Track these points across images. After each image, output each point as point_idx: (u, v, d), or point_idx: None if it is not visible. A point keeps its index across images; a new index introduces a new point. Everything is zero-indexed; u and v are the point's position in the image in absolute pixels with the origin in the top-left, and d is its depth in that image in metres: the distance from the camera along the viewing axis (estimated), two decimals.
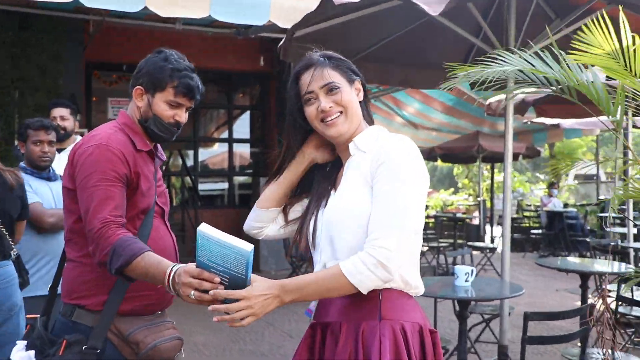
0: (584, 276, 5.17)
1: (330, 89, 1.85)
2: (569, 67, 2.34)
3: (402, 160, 1.74)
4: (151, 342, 2.12)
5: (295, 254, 7.82)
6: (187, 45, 10.27)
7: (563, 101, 2.85)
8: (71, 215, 2.20)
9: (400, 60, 5.73)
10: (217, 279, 1.66)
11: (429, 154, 13.84)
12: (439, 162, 17.33)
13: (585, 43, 2.31)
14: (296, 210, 2.04)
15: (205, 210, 11.04)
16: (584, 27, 2.34)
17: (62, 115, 4.52)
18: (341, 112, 1.85)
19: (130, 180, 2.15)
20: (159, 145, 2.39)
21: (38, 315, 2.29)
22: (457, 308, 4.12)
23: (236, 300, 1.63)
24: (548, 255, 12.13)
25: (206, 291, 1.68)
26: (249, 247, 1.60)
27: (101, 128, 2.24)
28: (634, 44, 2.28)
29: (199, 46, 10.35)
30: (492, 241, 12.36)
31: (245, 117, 12.09)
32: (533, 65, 2.36)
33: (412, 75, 5.98)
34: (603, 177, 17.17)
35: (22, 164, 3.85)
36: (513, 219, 14.23)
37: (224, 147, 11.85)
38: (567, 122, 9.68)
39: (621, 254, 6.66)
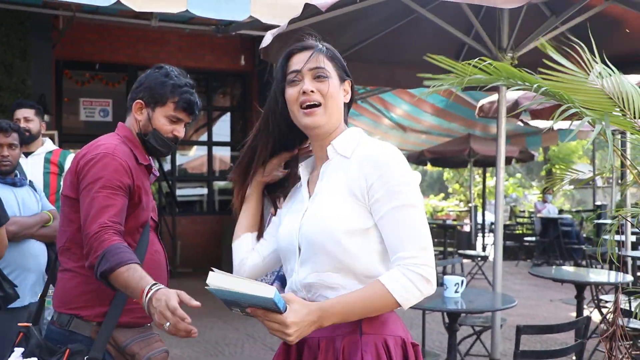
0: (580, 286, 5.13)
1: (319, 75, 1.77)
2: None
3: (402, 172, 1.71)
4: (145, 355, 2.19)
5: None
6: (164, 43, 10.12)
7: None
8: (71, 224, 2.23)
9: (386, 59, 5.78)
10: (195, 330, 1.67)
11: (418, 158, 13.74)
12: (429, 167, 17.36)
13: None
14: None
15: (184, 217, 10.92)
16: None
17: (26, 116, 4.42)
18: (321, 104, 1.76)
19: (132, 193, 2.22)
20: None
21: (29, 324, 2.34)
22: (447, 320, 4.07)
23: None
24: (542, 264, 12.12)
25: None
26: (269, 292, 1.48)
27: (104, 138, 2.30)
28: None
29: (176, 44, 10.27)
30: (484, 249, 12.38)
31: (226, 118, 12.01)
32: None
33: (399, 75, 5.99)
34: (600, 182, 16.85)
35: None
36: (506, 226, 14.13)
37: (203, 150, 11.74)
38: (561, 125, 9.46)
39: (618, 263, 6.33)
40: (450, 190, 20.80)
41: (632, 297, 4.32)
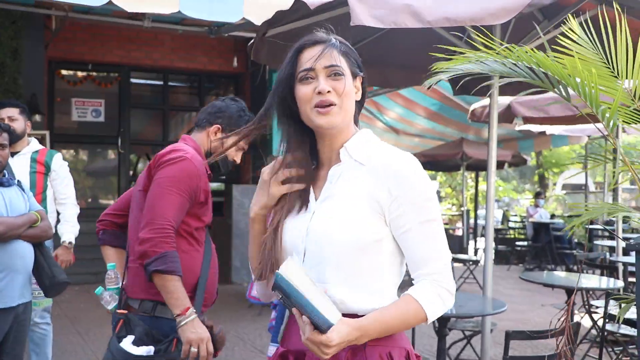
0: (570, 292, 5.07)
1: (335, 73, 1.66)
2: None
3: (426, 185, 1.68)
4: (217, 327, 2.52)
5: None
6: (157, 43, 10.07)
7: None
8: None
9: (379, 60, 5.70)
10: None
11: None
12: None
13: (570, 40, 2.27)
14: None
15: None
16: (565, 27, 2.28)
17: (10, 115, 4.41)
18: (336, 104, 1.65)
19: (200, 194, 2.49)
20: None
21: (125, 311, 2.50)
22: (436, 325, 4.01)
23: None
24: (534, 269, 12.10)
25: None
26: (334, 316, 1.50)
27: (182, 145, 2.59)
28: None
29: (169, 45, 10.22)
30: (476, 253, 12.33)
31: None
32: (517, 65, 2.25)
33: (391, 76, 5.95)
34: (592, 187, 16.90)
35: None
36: (498, 230, 14.14)
37: None
38: (554, 129, 9.62)
39: (609, 269, 6.34)
40: (442, 194, 20.79)
41: (621, 303, 4.30)
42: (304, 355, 1.68)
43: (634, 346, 4.98)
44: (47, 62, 9.55)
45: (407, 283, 1.67)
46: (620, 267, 6.89)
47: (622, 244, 7.20)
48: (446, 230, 12.60)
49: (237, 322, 6.93)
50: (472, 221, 14.72)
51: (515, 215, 18.30)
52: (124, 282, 2.61)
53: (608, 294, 5.13)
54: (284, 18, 4.30)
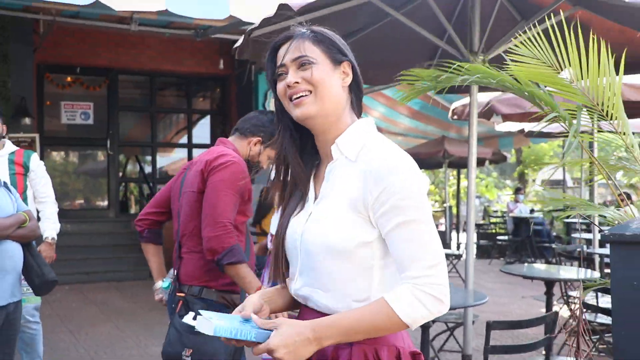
0: (549, 283, 5.21)
1: (302, 64, 1.60)
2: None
3: (408, 183, 1.53)
4: None
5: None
6: (144, 47, 10.11)
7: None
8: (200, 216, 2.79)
9: (362, 60, 5.57)
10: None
11: None
12: None
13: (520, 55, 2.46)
14: None
15: None
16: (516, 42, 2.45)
17: None
18: (310, 92, 1.60)
19: (244, 195, 2.80)
20: None
21: (184, 294, 2.82)
22: None
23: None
24: (514, 262, 12.17)
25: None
26: (250, 335, 1.48)
27: (227, 150, 2.89)
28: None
29: (156, 48, 10.21)
30: (458, 248, 12.37)
31: (205, 121, 11.96)
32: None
33: (372, 74, 5.90)
34: (570, 183, 17.20)
35: None
36: (479, 225, 14.28)
37: (183, 152, 11.71)
38: (532, 127, 9.61)
39: (587, 260, 6.55)
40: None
41: (599, 293, 4.50)
42: None
43: (610, 334, 5.03)
44: (35, 66, 9.55)
45: None
46: (597, 259, 7.08)
47: (599, 236, 7.42)
48: None
49: None
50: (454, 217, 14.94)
51: (497, 211, 18.39)
52: (174, 272, 2.94)
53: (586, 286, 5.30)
54: (269, 22, 4.25)
